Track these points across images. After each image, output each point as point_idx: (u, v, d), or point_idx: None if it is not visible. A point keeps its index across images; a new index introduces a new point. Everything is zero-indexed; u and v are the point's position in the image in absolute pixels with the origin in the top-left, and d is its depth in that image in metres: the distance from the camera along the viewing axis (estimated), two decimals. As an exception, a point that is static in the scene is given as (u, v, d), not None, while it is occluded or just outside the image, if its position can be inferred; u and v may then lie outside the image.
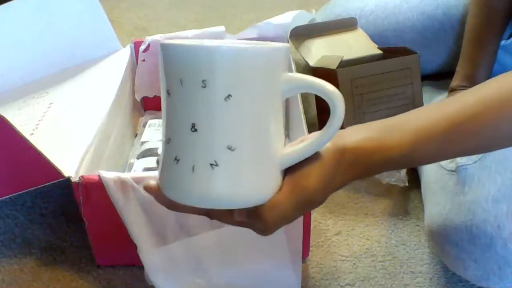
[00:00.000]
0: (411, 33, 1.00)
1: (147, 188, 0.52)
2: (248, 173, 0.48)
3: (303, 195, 0.49)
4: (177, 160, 0.48)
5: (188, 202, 0.49)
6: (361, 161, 0.51)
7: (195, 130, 0.47)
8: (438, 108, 0.53)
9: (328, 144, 0.50)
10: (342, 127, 0.91)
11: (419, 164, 0.56)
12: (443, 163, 0.73)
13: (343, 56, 0.89)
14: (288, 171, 0.50)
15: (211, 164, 0.47)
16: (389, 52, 0.93)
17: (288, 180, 0.49)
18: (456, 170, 0.68)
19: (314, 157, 0.49)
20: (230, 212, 0.51)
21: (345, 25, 1.01)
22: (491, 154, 0.66)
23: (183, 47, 0.46)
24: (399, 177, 0.86)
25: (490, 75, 0.87)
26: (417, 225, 0.81)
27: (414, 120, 0.52)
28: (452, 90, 0.89)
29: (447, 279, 0.73)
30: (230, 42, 0.53)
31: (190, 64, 0.46)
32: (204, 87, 0.45)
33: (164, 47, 0.47)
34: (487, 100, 0.51)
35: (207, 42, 0.50)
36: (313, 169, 0.49)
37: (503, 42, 0.90)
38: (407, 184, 0.85)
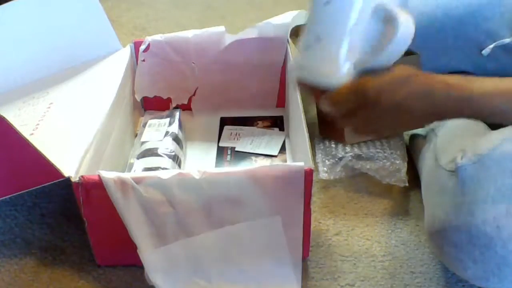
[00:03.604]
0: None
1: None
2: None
3: (360, 85, 0.59)
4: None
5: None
6: (432, 91, 0.57)
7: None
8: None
9: (403, 66, 0.58)
10: (342, 133, 0.91)
11: (487, 116, 0.61)
12: (443, 163, 0.73)
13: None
14: None
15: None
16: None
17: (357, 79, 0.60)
18: (455, 171, 0.68)
19: (384, 70, 0.59)
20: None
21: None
22: (490, 155, 0.65)
23: None
24: (399, 177, 0.86)
25: None
26: (417, 225, 0.81)
27: (492, 79, 0.59)
28: None
29: (447, 279, 0.73)
30: None
31: None
32: None
33: None
34: None
35: None
36: (377, 75, 0.58)
37: (504, 41, 0.89)
38: (407, 184, 0.85)
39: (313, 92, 0.67)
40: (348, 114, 0.61)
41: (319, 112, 0.94)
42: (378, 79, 0.59)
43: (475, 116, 0.62)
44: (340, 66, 0.61)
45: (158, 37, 0.96)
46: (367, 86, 0.59)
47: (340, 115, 0.62)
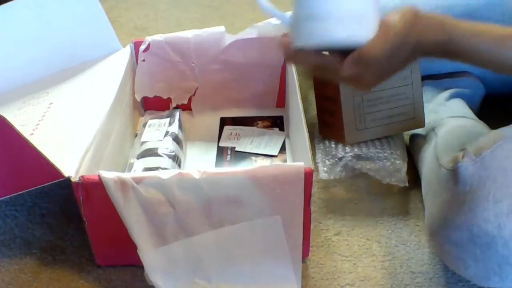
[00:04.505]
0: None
1: (282, 43, 0.63)
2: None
3: (393, 33, 0.60)
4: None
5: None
6: (433, 26, 0.62)
7: None
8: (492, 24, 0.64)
9: (408, 7, 0.61)
10: (342, 133, 0.91)
11: (466, 56, 0.66)
12: (444, 162, 0.73)
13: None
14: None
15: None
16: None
17: (381, 25, 0.60)
18: (456, 170, 0.68)
19: (399, 12, 0.61)
20: (340, 60, 0.61)
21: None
22: (491, 153, 0.65)
23: None
24: (399, 177, 0.86)
25: None
26: (417, 225, 0.81)
27: (473, 22, 0.64)
28: None
29: (447, 279, 0.73)
30: None
31: None
32: None
33: None
34: None
35: None
36: (399, 17, 0.60)
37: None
38: (407, 184, 0.85)
39: (326, 60, 0.64)
40: (385, 62, 0.61)
41: (319, 112, 0.94)
42: (400, 20, 0.60)
43: (455, 57, 0.66)
44: (372, 17, 0.60)
45: (158, 37, 0.96)
46: (398, 29, 0.60)
47: (376, 67, 0.62)
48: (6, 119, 0.67)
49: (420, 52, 0.63)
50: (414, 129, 0.91)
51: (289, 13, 0.64)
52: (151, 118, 0.96)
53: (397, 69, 0.64)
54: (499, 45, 0.63)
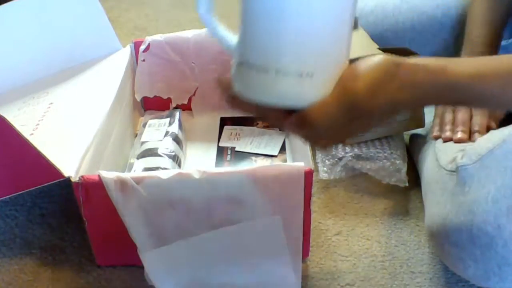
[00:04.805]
0: (411, 33, 1.00)
1: (220, 82, 0.55)
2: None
3: (350, 97, 0.50)
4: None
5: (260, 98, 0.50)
6: (417, 80, 0.51)
7: None
8: (498, 58, 0.55)
9: (384, 56, 0.51)
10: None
11: (472, 102, 0.56)
12: (444, 163, 0.73)
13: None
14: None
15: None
16: (389, 52, 0.93)
17: (338, 83, 0.50)
18: (456, 171, 0.68)
19: (366, 65, 0.50)
20: (284, 116, 0.52)
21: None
22: (491, 154, 0.66)
23: None
24: (399, 177, 0.86)
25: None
26: (417, 225, 0.81)
27: (476, 60, 0.55)
28: None
29: (447, 279, 0.73)
30: None
31: None
32: None
33: None
34: None
35: None
36: (362, 74, 0.50)
37: (504, 43, 0.90)
38: (407, 184, 0.85)
39: (268, 114, 0.54)
40: (337, 129, 0.53)
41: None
42: (363, 80, 0.50)
43: (459, 103, 0.58)
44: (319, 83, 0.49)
45: (158, 37, 0.96)
46: (357, 93, 0.50)
47: (326, 133, 0.53)
48: (6, 119, 0.67)
49: (403, 106, 0.53)
50: (414, 129, 0.91)
51: (235, 37, 0.52)
52: (151, 118, 0.96)
53: (369, 126, 0.54)
54: (503, 92, 0.53)
